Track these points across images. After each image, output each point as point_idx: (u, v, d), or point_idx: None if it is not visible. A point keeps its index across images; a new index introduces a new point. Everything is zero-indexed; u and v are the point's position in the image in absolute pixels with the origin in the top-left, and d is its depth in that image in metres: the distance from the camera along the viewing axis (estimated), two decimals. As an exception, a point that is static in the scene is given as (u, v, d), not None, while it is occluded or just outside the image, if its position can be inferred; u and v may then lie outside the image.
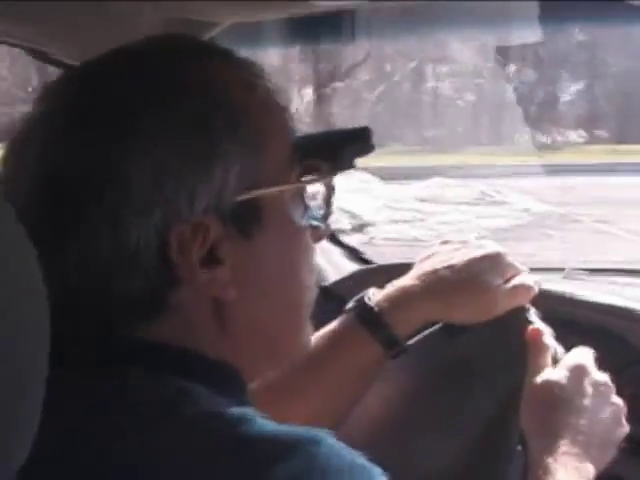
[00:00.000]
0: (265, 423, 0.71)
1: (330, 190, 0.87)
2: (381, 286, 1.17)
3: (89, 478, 0.68)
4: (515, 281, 1.09)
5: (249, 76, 0.82)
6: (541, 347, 1.04)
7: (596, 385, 1.02)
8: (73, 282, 0.75)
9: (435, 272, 1.10)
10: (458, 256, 1.11)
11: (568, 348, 1.07)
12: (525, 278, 1.10)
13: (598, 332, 1.34)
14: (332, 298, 1.23)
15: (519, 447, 1.05)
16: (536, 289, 1.10)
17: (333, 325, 1.10)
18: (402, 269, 1.15)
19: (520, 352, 1.05)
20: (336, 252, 1.73)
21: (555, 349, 1.05)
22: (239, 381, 0.81)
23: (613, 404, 1.02)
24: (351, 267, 1.62)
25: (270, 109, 0.82)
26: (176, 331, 0.77)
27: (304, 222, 0.83)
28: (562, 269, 1.68)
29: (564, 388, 1.01)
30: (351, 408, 1.08)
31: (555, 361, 1.04)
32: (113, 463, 0.69)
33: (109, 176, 0.74)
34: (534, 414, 1.01)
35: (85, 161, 0.75)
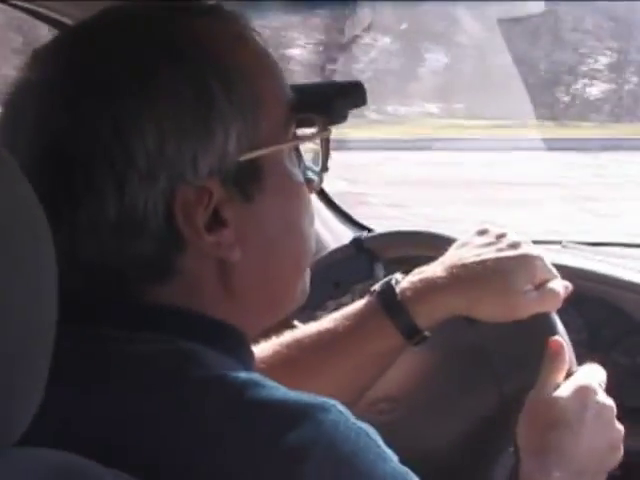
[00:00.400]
0: (275, 388, 0.72)
1: (326, 143, 0.87)
2: (415, 250, 1.18)
3: (95, 443, 0.69)
4: (545, 288, 1.07)
5: (239, 29, 0.82)
6: (558, 362, 1.02)
7: (599, 409, 1.00)
8: (82, 248, 0.75)
9: (464, 266, 1.07)
10: (491, 252, 1.08)
11: (565, 319, 1.07)
12: (555, 285, 1.07)
13: (595, 302, 1.36)
14: (363, 251, 1.23)
15: (511, 449, 1.07)
16: (565, 295, 1.08)
17: (357, 307, 1.09)
18: (441, 241, 1.16)
19: (535, 357, 1.07)
20: (333, 218, 1.74)
21: (571, 367, 1.03)
22: (244, 342, 0.82)
23: (613, 430, 1.00)
24: (349, 234, 1.64)
25: (263, 63, 0.83)
26: (183, 294, 0.78)
27: (302, 177, 0.84)
28: (559, 242, 1.69)
29: (566, 410, 0.99)
30: (364, 391, 1.09)
31: (568, 378, 1.02)
32: (118, 426, 0.71)
33: (112, 142, 0.74)
34: (530, 430, 0.99)
35: (87, 128, 0.75)
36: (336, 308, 1.25)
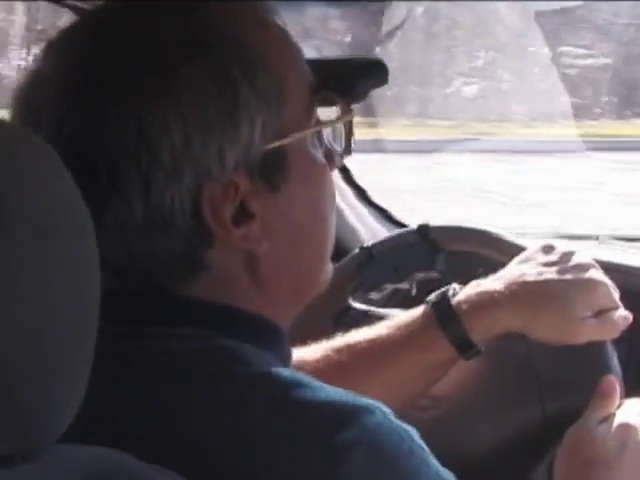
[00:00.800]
0: (319, 388, 0.73)
1: (350, 126, 0.86)
2: (479, 248, 1.17)
3: (136, 442, 0.69)
4: (604, 317, 1.06)
5: (259, 14, 0.80)
6: (607, 403, 1.02)
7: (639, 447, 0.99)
8: (110, 249, 0.73)
9: (525, 284, 1.06)
10: (554, 273, 1.06)
11: None
12: (616, 315, 1.06)
13: (632, 296, 1.35)
14: (427, 240, 1.22)
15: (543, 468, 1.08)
16: (624, 326, 1.06)
17: (412, 316, 1.08)
18: (508, 246, 1.14)
19: (582, 384, 1.07)
20: (367, 213, 1.72)
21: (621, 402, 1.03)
22: (279, 335, 0.82)
23: None
24: (384, 230, 1.63)
25: (286, 48, 0.81)
26: (213, 289, 0.78)
27: (323, 159, 0.83)
28: (596, 237, 1.67)
29: (606, 448, 0.98)
30: (412, 400, 1.09)
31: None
32: (159, 423, 0.72)
33: (137, 141, 0.73)
34: (569, 464, 1.00)
35: (110, 127, 0.74)
36: (392, 292, 1.26)
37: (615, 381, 1.03)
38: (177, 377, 0.74)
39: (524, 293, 1.05)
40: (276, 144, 0.77)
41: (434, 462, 0.74)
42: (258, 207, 0.77)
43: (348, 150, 0.86)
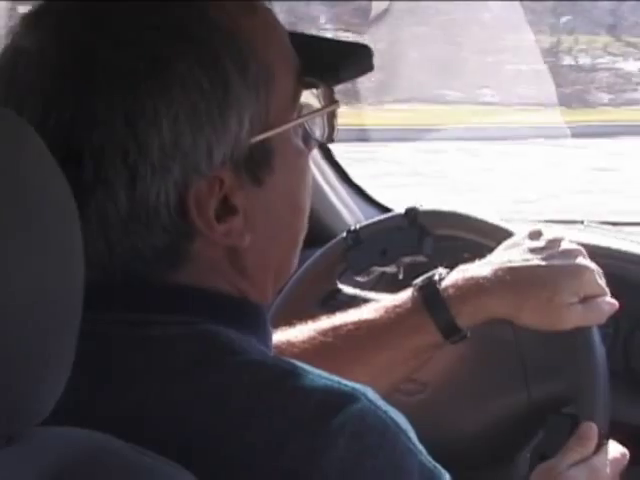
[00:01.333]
0: (303, 375, 0.73)
1: (333, 116, 0.84)
2: (467, 233, 1.17)
3: (120, 428, 0.68)
4: (591, 303, 1.05)
5: None
6: (583, 447, 1.00)
7: None
8: (91, 241, 0.72)
9: (512, 270, 1.05)
10: (541, 259, 1.06)
11: None
12: (602, 302, 1.06)
13: (617, 280, 1.35)
14: (415, 223, 1.22)
15: (527, 454, 1.08)
16: (610, 313, 1.06)
17: (398, 300, 1.08)
18: (496, 231, 1.15)
19: (568, 370, 1.07)
20: (347, 194, 1.72)
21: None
22: (262, 318, 0.82)
23: None
24: (369, 213, 1.62)
25: (273, 32, 0.79)
26: (195, 277, 0.77)
27: (304, 147, 0.82)
28: (581, 221, 1.68)
29: None
30: (398, 384, 1.09)
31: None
32: (144, 410, 0.72)
33: (125, 133, 0.72)
34: None
35: (99, 117, 0.72)
36: (380, 276, 1.26)
37: (593, 428, 1.02)
38: (161, 363, 0.74)
39: (511, 279, 1.05)
40: (262, 137, 0.76)
41: (420, 450, 0.73)
42: (241, 201, 0.76)
43: (330, 138, 0.85)
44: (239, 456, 0.70)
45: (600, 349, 1.07)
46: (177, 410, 0.72)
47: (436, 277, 1.07)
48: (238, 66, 0.74)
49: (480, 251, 1.12)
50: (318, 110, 0.83)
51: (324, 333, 1.08)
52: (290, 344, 1.06)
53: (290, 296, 1.20)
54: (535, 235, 1.10)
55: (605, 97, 7.55)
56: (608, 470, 0.99)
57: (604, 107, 7.59)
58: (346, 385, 0.73)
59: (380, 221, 1.28)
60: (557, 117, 6.63)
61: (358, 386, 0.73)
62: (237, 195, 0.76)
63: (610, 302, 1.07)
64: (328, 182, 1.66)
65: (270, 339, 0.84)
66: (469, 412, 1.16)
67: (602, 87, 7.67)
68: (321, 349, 1.06)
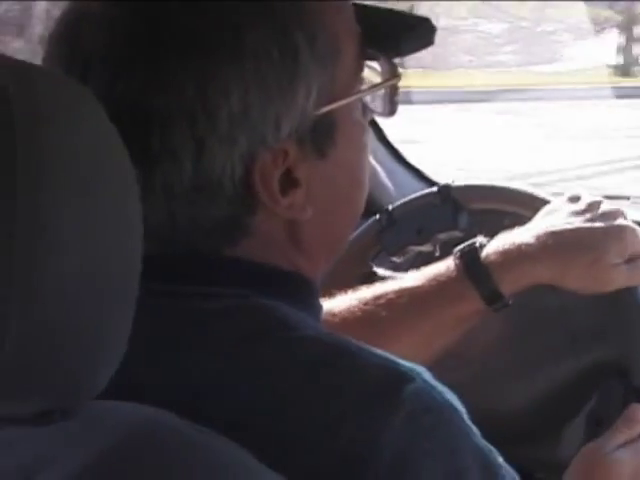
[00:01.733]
0: (357, 353, 0.72)
1: (394, 89, 0.83)
2: (503, 205, 1.16)
3: (179, 399, 0.69)
4: (635, 262, 1.04)
5: None
6: (631, 429, 0.99)
7: None
8: (153, 210, 0.72)
9: (554, 235, 1.04)
10: (582, 222, 1.05)
11: None
12: None
13: None
14: (449, 200, 1.21)
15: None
16: None
17: (439, 268, 1.07)
18: (532, 200, 1.13)
19: (615, 332, 1.06)
20: (401, 172, 1.70)
21: None
22: (314, 293, 0.82)
23: None
24: (416, 187, 1.60)
25: (340, 4, 0.79)
26: (253, 250, 0.77)
27: (366, 122, 0.82)
28: (627, 197, 1.66)
29: (621, 473, 0.97)
30: (440, 352, 1.06)
31: None
32: (196, 381, 0.71)
33: (194, 101, 0.71)
34: None
35: (168, 85, 0.71)
36: (416, 255, 1.24)
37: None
38: (214, 335, 0.73)
39: (554, 244, 1.04)
40: (327, 109, 0.76)
41: (474, 432, 0.72)
42: (304, 174, 0.76)
43: (392, 111, 0.84)
44: (290, 434, 0.69)
45: None
46: (225, 382, 0.71)
47: (477, 244, 1.06)
48: (307, 36, 0.74)
49: (517, 221, 1.10)
50: (380, 83, 0.83)
51: (365, 302, 1.07)
52: (331, 314, 1.04)
53: (326, 279, 1.18)
54: (574, 199, 1.09)
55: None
56: None
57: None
58: (402, 365, 0.72)
59: (413, 200, 1.26)
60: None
61: (414, 366, 0.72)
62: (300, 168, 0.75)
63: None
64: (377, 158, 1.64)
65: (321, 314, 0.83)
66: (516, 385, 1.14)
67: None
68: (363, 318, 1.05)
